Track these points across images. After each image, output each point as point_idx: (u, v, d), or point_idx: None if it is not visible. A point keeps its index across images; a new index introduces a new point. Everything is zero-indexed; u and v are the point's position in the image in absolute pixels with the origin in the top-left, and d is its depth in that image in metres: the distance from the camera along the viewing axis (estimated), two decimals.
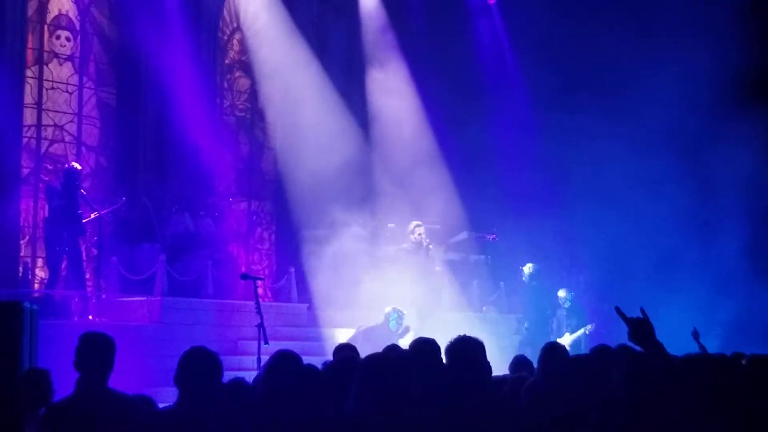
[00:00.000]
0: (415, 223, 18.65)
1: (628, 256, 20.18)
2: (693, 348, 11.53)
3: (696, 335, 12.39)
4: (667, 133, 20.09)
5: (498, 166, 21.77)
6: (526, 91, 22.70)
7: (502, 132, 21.91)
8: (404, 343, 15.05)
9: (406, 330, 15.50)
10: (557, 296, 18.48)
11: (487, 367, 6.22)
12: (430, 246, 18.54)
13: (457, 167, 21.90)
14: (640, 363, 5.68)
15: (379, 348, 10.95)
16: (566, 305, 18.45)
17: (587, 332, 18.01)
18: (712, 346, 13.10)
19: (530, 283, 18.85)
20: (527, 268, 18.95)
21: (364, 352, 13.48)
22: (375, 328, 15.49)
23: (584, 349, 18.09)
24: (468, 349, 6.12)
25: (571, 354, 16.84)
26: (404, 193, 21.17)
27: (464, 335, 6.27)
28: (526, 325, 18.59)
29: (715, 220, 20.20)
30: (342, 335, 16.31)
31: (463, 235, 21.24)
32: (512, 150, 21.71)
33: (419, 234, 18.35)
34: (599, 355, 6.93)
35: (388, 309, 15.59)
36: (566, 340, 17.79)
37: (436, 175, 21.38)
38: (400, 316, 15.53)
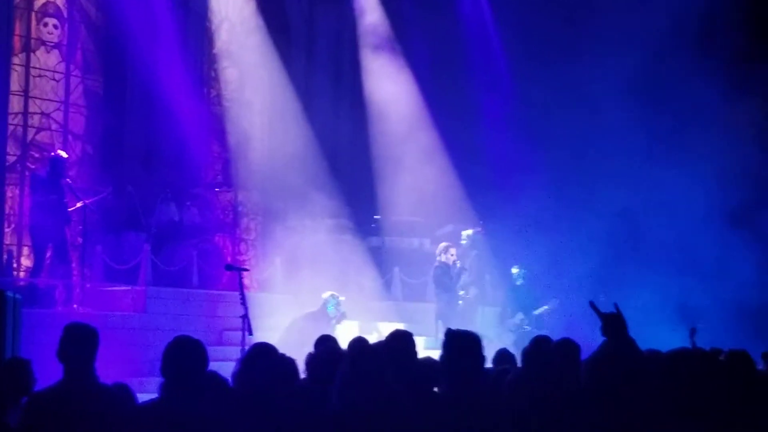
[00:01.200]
0: (445, 244, 18.65)
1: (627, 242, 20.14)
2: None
3: (693, 333, 12.28)
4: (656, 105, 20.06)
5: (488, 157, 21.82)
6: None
7: (490, 126, 21.97)
8: (339, 329, 15.43)
9: (343, 316, 15.88)
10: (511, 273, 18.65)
11: (483, 360, 6.27)
12: (457, 263, 18.47)
13: (451, 159, 21.92)
14: (610, 358, 5.71)
15: (315, 333, 11.28)
16: (518, 282, 18.47)
17: (550, 308, 18.13)
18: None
19: (516, 282, 18.79)
20: (516, 269, 18.93)
21: (302, 336, 13.81)
22: (313, 313, 15.75)
23: (549, 327, 18.21)
24: (467, 342, 6.15)
25: (533, 332, 16.76)
26: (394, 183, 21.20)
27: (461, 329, 6.30)
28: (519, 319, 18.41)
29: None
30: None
31: (449, 227, 21.24)
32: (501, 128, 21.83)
33: (452, 254, 18.35)
34: (570, 348, 7.00)
35: (326, 294, 15.89)
36: (518, 318, 18.02)
37: (429, 167, 21.38)
38: (338, 301, 15.84)
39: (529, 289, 18.48)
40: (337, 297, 15.94)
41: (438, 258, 18.34)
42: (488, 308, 19.13)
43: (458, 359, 6.09)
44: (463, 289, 18.57)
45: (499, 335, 17.63)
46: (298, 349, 13.45)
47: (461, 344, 6.16)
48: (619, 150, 19.64)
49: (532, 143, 20.85)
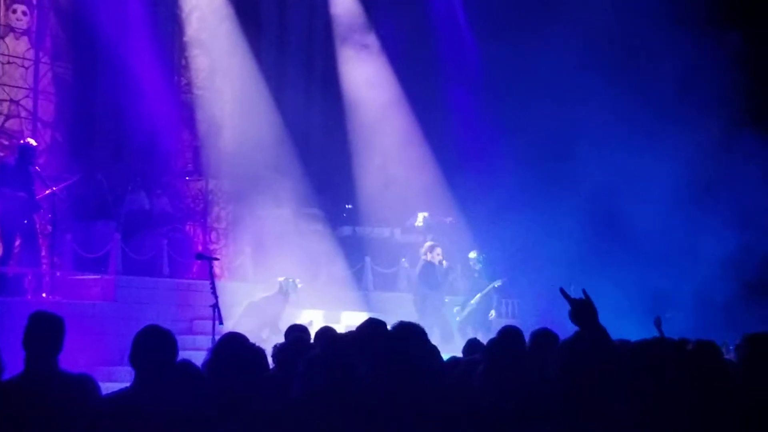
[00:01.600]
0: (430, 243, 18.56)
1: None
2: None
3: (658, 323, 12.23)
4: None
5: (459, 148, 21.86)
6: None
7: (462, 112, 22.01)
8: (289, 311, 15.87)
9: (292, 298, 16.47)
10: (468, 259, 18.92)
11: (432, 351, 6.25)
12: (444, 262, 18.44)
13: (424, 147, 21.94)
14: (579, 346, 5.70)
15: (272, 314, 11.28)
16: (477, 267, 18.72)
17: (496, 287, 18.42)
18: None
19: (476, 268, 18.98)
20: (473, 254, 19.09)
21: (262, 317, 13.97)
22: (268, 297, 16.17)
23: (496, 305, 18.40)
24: (408, 335, 6.14)
25: (481, 310, 16.93)
26: (366, 173, 21.21)
27: (403, 321, 6.29)
28: (456, 308, 18.71)
29: None
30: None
31: (420, 217, 21.25)
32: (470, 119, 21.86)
33: (438, 254, 18.27)
34: (545, 338, 7.01)
35: (281, 278, 16.34)
36: (475, 299, 18.38)
37: (401, 156, 21.40)
38: (295, 284, 16.43)
39: (487, 274, 18.73)
40: (293, 280, 16.44)
41: (423, 257, 18.25)
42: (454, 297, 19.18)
43: (407, 351, 6.08)
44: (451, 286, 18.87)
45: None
46: (258, 331, 13.62)
47: (408, 336, 6.15)
48: (592, 134, 19.66)
49: (504, 128, 20.92)
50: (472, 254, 18.95)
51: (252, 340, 6.28)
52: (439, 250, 18.23)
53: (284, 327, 15.05)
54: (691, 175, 19.62)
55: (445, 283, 18.34)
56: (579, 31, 19.57)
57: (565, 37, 19.62)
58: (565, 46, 19.65)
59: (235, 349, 6.08)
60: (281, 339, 8.39)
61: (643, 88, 19.96)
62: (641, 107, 19.79)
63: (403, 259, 20.25)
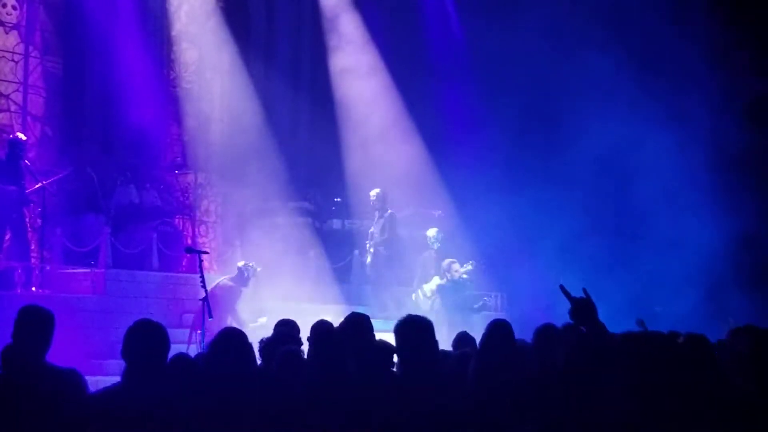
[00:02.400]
0: (448, 260, 17.77)
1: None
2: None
3: (641, 324, 12.10)
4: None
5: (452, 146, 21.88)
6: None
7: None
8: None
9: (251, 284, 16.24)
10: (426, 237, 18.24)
11: (435, 345, 6.33)
12: (464, 276, 17.65)
13: (414, 137, 21.94)
14: (581, 342, 5.76)
15: (229, 302, 11.47)
16: (435, 246, 18.12)
17: (471, 267, 17.86)
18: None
19: (434, 246, 18.42)
20: (432, 232, 18.56)
21: (228, 297, 14.00)
22: (233, 278, 16.03)
23: (474, 288, 17.97)
24: (417, 328, 6.21)
25: (453, 295, 16.18)
26: (355, 165, 21.20)
27: (411, 314, 6.36)
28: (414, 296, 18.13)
29: None
30: (287, 309, 16.41)
31: (409, 210, 21.27)
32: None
33: (456, 270, 17.53)
34: (545, 333, 7.05)
35: (241, 263, 16.20)
36: (434, 283, 17.69)
37: (391, 148, 21.39)
38: (254, 268, 16.18)
39: (446, 254, 18.15)
40: (254, 265, 16.28)
41: (445, 276, 17.58)
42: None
43: (411, 343, 6.14)
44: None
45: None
46: (225, 313, 13.61)
47: (413, 328, 6.21)
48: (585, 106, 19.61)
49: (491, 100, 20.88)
50: (430, 232, 18.33)
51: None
52: (456, 266, 17.52)
53: (247, 316, 15.28)
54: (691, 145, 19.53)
55: (469, 298, 17.62)
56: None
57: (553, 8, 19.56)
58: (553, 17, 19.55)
59: (233, 344, 6.14)
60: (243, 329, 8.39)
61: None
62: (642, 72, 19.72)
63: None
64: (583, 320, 5.71)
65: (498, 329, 6.97)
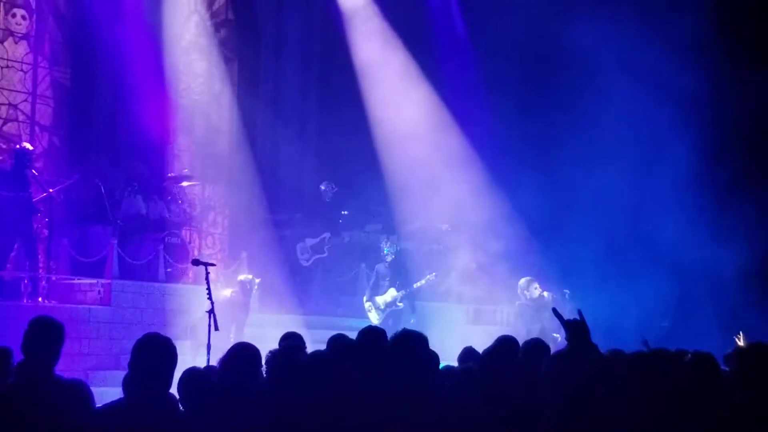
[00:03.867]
0: (527, 278, 16.34)
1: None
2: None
3: (646, 344, 11.82)
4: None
5: None
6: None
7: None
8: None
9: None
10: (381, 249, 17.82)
11: (432, 359, 6.29)
12: (544, 294, 16.13)
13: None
14: (571, 363, 5.74)
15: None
16: (389, 259, 17.62)
17: (431, 280, 17.50)
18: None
19: (387, 258, 17.72)
20: (386, 244, 17.99)
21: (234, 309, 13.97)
22: (237, 292, 16.28)
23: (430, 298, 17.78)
24: (410, 343, 6.18)
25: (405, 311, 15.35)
26: (363, 178, 21.12)
27: (406, 329, 6.33)
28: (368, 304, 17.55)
29: None
30: (291, 322, 16.39)
31: (416, 224, 21.25)
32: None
33: (536, 288, 16.08)
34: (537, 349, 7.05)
35: (242, 277, 16.53)
36: (389, 295, 17.27)
37: (400, 162, 21.34)
38: (253, 282, 16.45)
39: (403, 264, 17.79)
40: (254, 279, 16.51)
41: (523, 294, 16.17)
42: None
43: (402, 360, 6.12)
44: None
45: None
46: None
47: (409, 343, 6.19)
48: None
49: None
50: (384, 245, 17.78)
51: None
52: (536, 284, 16.17)
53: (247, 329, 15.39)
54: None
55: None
56: None
57: None
58: None
59: (247, 359, 6.13)
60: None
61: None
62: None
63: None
64: (577, 342, 5.71)
65: (504, 344, 6.95)
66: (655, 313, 18.15)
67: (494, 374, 6.58)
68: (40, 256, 16.60)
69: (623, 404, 5.74)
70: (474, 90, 21.93)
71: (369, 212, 21.37)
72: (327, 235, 19.48)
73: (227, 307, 15.35)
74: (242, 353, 6.19)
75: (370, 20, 21.87)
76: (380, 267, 17.67)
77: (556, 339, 14.63)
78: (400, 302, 17.28)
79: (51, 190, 15.79)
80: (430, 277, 17.62)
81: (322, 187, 19.69)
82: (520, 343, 7.01)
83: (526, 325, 15.73)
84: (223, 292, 16.00)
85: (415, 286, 17.33)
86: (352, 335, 7.24)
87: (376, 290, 17.49)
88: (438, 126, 21.50)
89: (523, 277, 16.39)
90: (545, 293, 16.13)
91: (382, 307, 17.29)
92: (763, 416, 5.89)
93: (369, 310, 17.38)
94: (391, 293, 17.28)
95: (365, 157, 21.22)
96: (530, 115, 20.62)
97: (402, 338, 6.21)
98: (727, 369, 6.88)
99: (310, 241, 19.42)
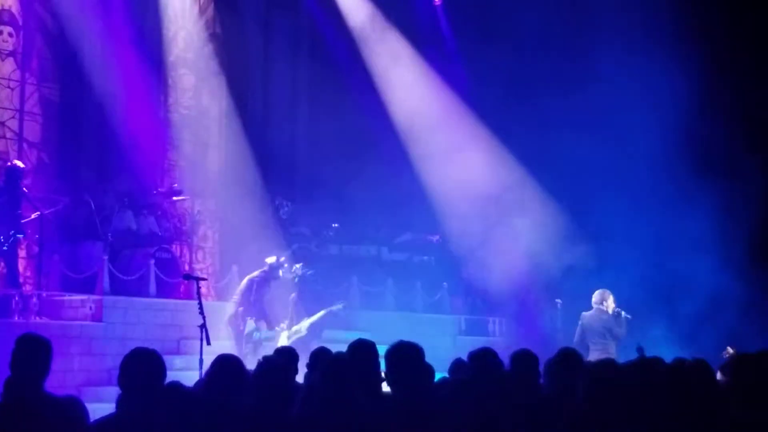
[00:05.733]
0: (600, 291, 15.43)
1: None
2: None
3: (641, 351, 11.66)
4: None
5: None
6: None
7: None
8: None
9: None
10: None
11: (428, 371, 6.30)
12: (622, 313, 15.25)
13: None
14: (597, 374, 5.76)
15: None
16: (295, 281, 17.05)
17: (337, 310, 16.76)
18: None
19: (294, 281, 17.29)
20: (297, 267, 17.39)
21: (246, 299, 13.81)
22: (265, 273, 16.27)
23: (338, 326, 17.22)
24: (406, 354, 6.18)
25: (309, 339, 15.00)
26: (353, 190, 21.14)
27: (402, 341, 6.34)
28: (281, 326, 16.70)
29: None
30: (285, 336, 16.36)
31: (407, 236, 21.28)
32: None
33: (612, 302, 15.16)
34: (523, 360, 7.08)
35: (270, 259, 16.37)
36: (304, 324, 16.48)
37: (388, 176, 21.37)
38: (282, 264, 16.39)
39: (307, 292, 17.25)
40: (283, 262, 16.41)
41: (597, 307, 15.31)
42: None
43: (399, 372, 6.13)
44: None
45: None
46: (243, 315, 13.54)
47: (403, 354, 6.19)
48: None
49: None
50: (297, 266, 17.22)
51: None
52: (611, 298, 15.26)
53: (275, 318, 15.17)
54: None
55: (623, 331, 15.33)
56: None
57: None
58: None
59: (230, 371, 6.11)
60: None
61: None
62: None
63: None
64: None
65: (485, 357, 6.98)
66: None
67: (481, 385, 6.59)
68: (29, 273, 16.58)
69: (619, 413, 5.75)
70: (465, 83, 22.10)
71: (361, 228, 21.40)
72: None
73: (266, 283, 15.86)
74: (226, 368, 6.17)
75: (361, 36, 22.07)
76: (293, 297, 17.04)
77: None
78: (305, 330, 16.51)
79: (43, 212, 15.81)
80: (334, 307, 16.88)
81: (276, 203, 19.37)
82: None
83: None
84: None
85: (310, 320, 16.58)
86: (339, 347, 7.21)
87: (296, 320, 16.72)
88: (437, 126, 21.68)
89: None
90: (618, 309, 15.25)
91: (288, 339, 16.20)
92: (762, 422, 5.90)
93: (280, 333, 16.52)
94: (304, 323, 16.56)
95: (355, 168, 21.23)
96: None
97: (397, 351, 6.21)
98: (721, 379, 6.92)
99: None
